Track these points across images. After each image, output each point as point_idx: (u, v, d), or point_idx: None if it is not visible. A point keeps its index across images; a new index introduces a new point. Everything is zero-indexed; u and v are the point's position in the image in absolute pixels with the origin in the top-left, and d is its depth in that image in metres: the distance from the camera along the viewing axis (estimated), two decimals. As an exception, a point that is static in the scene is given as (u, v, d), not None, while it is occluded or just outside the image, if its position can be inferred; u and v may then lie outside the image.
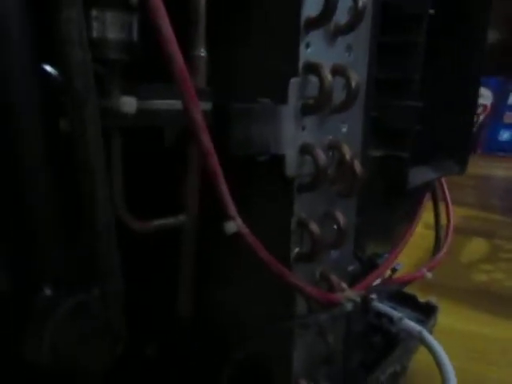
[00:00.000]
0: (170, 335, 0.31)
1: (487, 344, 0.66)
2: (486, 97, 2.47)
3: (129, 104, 0.20)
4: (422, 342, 0.45)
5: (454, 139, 0.45)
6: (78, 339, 0.21)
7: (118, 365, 0.24)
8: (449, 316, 0.67)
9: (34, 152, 0.20)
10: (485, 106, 2.48)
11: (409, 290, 0.60)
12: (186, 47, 0.24)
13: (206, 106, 0.24)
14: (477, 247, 1.08)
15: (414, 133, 0.34)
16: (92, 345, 0.21)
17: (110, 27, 0.20)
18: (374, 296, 0.48)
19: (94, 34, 0.20)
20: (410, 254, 0.57)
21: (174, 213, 0.27)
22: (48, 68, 0.23)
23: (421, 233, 0.57)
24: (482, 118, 2.49)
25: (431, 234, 0.58)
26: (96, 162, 0.19)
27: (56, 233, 0.20)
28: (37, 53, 0.21)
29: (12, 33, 0.19)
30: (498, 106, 2.45)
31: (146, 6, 0.19)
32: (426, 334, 0.45)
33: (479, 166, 2.14)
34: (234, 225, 0.24)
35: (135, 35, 0.21)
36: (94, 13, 0.20)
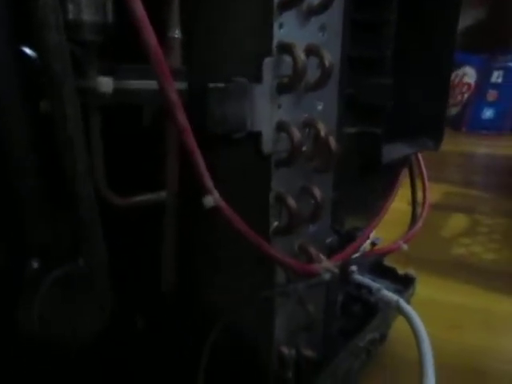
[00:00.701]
0: (156, 309, 0.33)
1: (466, 314, 0.69)
2: (469, 75, 2.49)
3: (106, 84, 0.21)
4: (399, 310, 0.48)
5: (429, 115, 0.46)
6: (66, 308, 0.22)
7: (110, 335, 0.25)
8: (428, 287, 0.70)
9: (18, 132, 0.21)
10: (468, 85, 2.50)
11: (390, 264, 0.63)
12: (161, 28, 0.24)
13: (182, 85, 0.25)
14: (457, 222, 1.11)
15: (387, 109, 0.36)
16: (79, 314, 0.23)
17: (85, 9, 0.21)
18: (354, 268, 0.51)
19: (70, 16, 0.21)
20: (392, 230, 0.59)
21: (155, 190, 0.28)
22: (27, 51, 0.23)
23: (403, 209, 0.59)
24: (466, 96, 2.51)
25: (413, 209, 0.60)
26: (76, 140, 0.20)
27: (42, 208, 0.21)
28: (15, 36, 0.21)
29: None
30: (482, 85, 2.47)
31: (119, -12, 0.20)
32: (402, 303, 0.47)
33: (463, 144, 2.18)
34: (212, 198, 0.25)
35: (110, 17, 0.22)
36: (70, -5, 0.20)
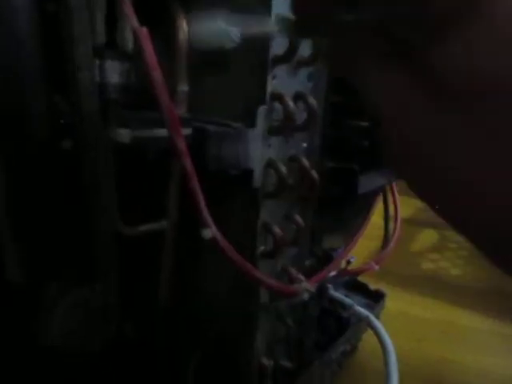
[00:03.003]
0: (152, 320, 0.36)
1: (430, 327, 0.74)
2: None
3: (124, 135, 0.24)
4: (369, 325, 0.52)
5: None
6: (81, 324, 0.26)
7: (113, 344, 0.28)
8: (397, 301, 0.75)
9: (44, 172, 0.24)
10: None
11: (363, 278, 0.67)
12: (171, 82, 0.28)
13: (187, 131, 0.29)
14: (427, 237, 1.17)
15: (364, 148, 0.40)
16: (91, 329, 0.26)
17: (110, 73, 0.24)
18: (329, 285, 0.55)
19: (98, 79, 0.24)
20: (367, 244, 0.63)
21: (157, 218, 0.31)
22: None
23: (378, 224, 0.64)
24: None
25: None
26: (102, 178, 0.24)
27: (65, 238, 0.24)
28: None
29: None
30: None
31: (141, 58, 0.23)
32: (372, 318, 0.52)
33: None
34: (210, 231, 0.29)
35: (132, 79, 0.25)
36: (97, 62, 0.24)
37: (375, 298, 0.63)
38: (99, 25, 0.23)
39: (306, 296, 0.41)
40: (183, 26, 0.27)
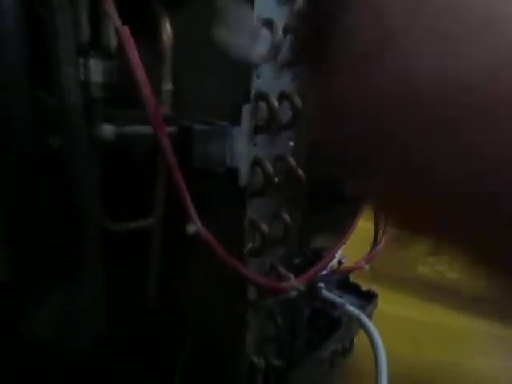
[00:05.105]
0: (136, 320, 0.36)
1: (425, 329, 0.74)
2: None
3: (109, 131, 0.25)
4: (360, 324, 0.52)
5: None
6: (68, 321, 0.26)
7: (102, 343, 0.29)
8: (392, 304, 0.75)
9: (30, 167, 0.25)
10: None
11: (360, 280, 0.68)
12: (155, 80, 0.29)
13: (172, 129, 0.30)
14: (425, 241, 1.17)
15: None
16: (79, 326, 0.27)
17: (95, 72, 0.25)
18: (321, 285, 0.55)
19: (82, 78, 0.25)
20: (364, 248, 0.63)
21: (144, 215, 0.32)
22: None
23: (371, 228, 0.64)
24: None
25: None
26: (86, 173, 0.24)
27: (52, 236, 0.25)
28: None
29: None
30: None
31: (123, 55, 0.24)
32: (362, 317, 0.52)
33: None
34: (194, 227, 0.30)
35: (114, 77, 0.26)
36: (81, 60, 0.24)
37: (367, 299, 0.63)
38: (83, 23, 0.24)
39: (293, 293, 0.41)
40: (167, 26, 0.28)
